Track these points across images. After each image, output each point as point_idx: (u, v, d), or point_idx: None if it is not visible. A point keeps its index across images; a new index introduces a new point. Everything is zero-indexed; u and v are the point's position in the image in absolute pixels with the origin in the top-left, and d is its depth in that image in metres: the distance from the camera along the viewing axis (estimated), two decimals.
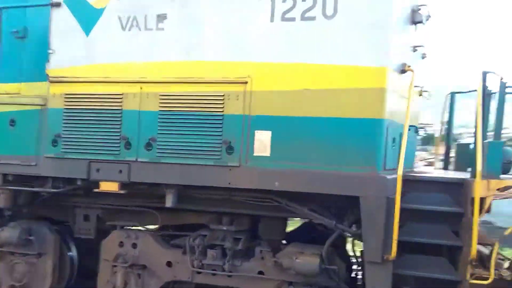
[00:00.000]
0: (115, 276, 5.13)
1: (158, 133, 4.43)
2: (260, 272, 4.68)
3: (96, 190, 4.69)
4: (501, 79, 4.50)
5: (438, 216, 4.10)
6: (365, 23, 3.98)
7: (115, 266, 5.14)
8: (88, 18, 4.73)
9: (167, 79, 4.43)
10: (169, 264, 4.96)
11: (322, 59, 4.07)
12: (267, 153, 4.19)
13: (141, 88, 4.50)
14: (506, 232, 4.50)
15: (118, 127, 4.53)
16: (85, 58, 4.72)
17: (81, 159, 4.62)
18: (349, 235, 4.74)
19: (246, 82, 4.22)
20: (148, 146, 4.45)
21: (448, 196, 4.14)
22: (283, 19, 4.16)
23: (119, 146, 4.52)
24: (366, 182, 3.96)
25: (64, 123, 4.67)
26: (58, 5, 4.75)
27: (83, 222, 5.37)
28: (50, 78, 4.74)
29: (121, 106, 4.54)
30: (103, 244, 5.20)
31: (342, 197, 4.09)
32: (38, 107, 4.83)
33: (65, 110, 4.66)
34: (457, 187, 4.18)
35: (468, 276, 3.96)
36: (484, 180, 4.02)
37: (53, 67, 4.76)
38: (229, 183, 4.27)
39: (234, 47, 4.30)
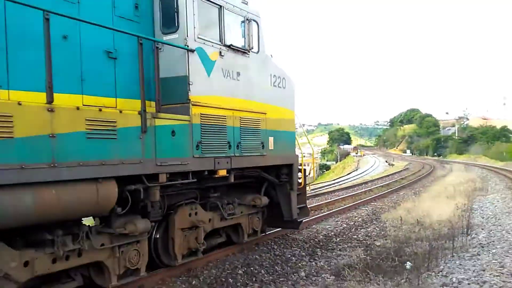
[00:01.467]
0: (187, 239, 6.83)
1: (241, 139, 7.27)
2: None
3: (215, 176, 6.84)
4: None
5: None
6: (292, 92, 8.77)
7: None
8: (208, 65, 6.66)
9: (241, 109, 7.36)
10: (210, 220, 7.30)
11: (284, 105, 8.53)
12: (272, 148, 8.08)
13: (232, 113, 7.15)
14: None
15: (225, 136, 6.91)
16: (208, 91, 6.64)
17: (211, 157, 6.62)
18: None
19: (265, 113, 7.93)
20: (237, 147, 7.20)
21: None
22: (274, 86, 8.27)
23: (226, 147, 6.93)
24: (294, 157, 8.74)
25: (202, 133, 6.45)
26: (192, 51, 6.36)
27: None
28: (192, 102, 6.28)
29: (225, 123, 6.98)
30: (175, 218, 6.63)
31: (285, 164, 8.60)
32: (187, 122, 6.16)
33: (202, 125, 6.45)
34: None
35: None
36: None
37: (192, 95, 6.29)
38: (264, 164, 7.89)
39: (262, 96, 7.91)
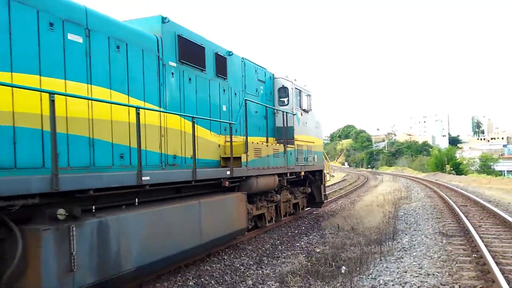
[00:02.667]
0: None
1: (307, 156, 13.41)
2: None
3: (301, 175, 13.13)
4: None
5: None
6: (322, 129, 13.92)
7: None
8: (298, 120, 12.55)
9: (307, 141, 13.25)
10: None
11: (319, 137, 14.93)
12: (316, 161, 14.35)
13: (306, 143, 12.93)
14: None
15: (303, 154, 12.88)
16: (298, 133, 12.42)
17: (300, 165, 12.77)
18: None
19: (313, 142, 13.71)
20: (306, 160, 13.16)
21: None
22: (316, 128, 14.46)
23: (304, 160, 12.97)
24: (323, 166, 14.70)
25: (297, 153, 12.28)
26: (294, 114, 12.14)
27: None
28: (295, 138, 12.08)
29: (303, 149, 12.82)
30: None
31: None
32: (294, 148, 11.99)
33: (297, 150, 12.20)
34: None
35: None
36: None
37: (295, 135, 12.09)
38: (314, 169, 14.71)
39: (313, 134, 14.08)
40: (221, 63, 8.97)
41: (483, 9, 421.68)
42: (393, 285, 6.08)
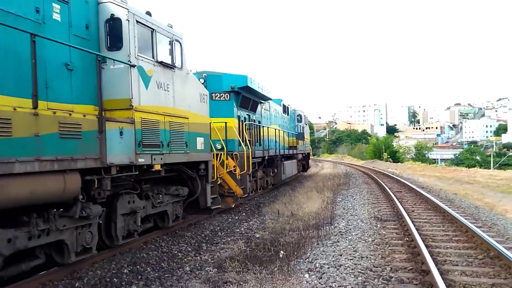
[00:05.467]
0: None
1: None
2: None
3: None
4: None
5: None
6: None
7: None
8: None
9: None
10: None
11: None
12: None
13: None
14: None
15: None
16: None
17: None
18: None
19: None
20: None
21: None
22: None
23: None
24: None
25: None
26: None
27: None
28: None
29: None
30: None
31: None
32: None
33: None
34: None
35: None
36: None
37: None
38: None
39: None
40: (287, 109, 15.03)
41: (420, 2, 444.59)
42: (328, 268, 6.31)
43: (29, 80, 5.04)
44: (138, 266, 7.00)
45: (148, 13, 7.63)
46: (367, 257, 6.88)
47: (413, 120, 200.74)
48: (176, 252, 8.12)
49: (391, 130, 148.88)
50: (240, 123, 13.92)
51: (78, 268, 6.55)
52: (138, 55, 7.08)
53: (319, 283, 5.68)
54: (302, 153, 26.23)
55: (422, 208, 12.37)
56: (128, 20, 6.91)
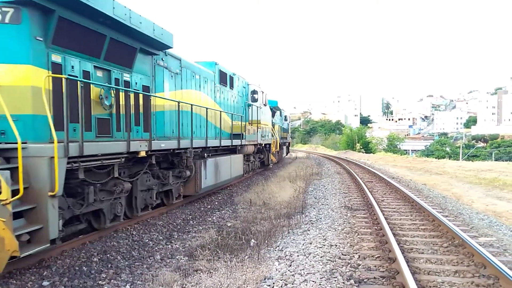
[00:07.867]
0: None
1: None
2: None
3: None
4: None
5: None
6: None
7: None
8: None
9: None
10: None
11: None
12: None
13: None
14: None
15: None
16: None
17: None
18: None
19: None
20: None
21: None
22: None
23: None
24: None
25: None
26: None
27: None
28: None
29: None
30: None
31: None
32: None
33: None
34: None
35: None
36: None
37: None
38: None
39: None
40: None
41: None
42: (298, 256, 6.50)
43: (243, 113, 17.26)
44: (108, 255, 7.02)
45: (259, 85, 18.92)
46: (336, 245, 7.11)
47: (386, 111, 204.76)
48: (147, 240, 8.16)
49: (365, 121, 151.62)
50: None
51: (46, 257, 6.53)
52: (260, 103, 19.19)
53: (288, 270, 5.86)
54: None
55: (391, 198, 12.78)
56: (261, 91, 19.39)
